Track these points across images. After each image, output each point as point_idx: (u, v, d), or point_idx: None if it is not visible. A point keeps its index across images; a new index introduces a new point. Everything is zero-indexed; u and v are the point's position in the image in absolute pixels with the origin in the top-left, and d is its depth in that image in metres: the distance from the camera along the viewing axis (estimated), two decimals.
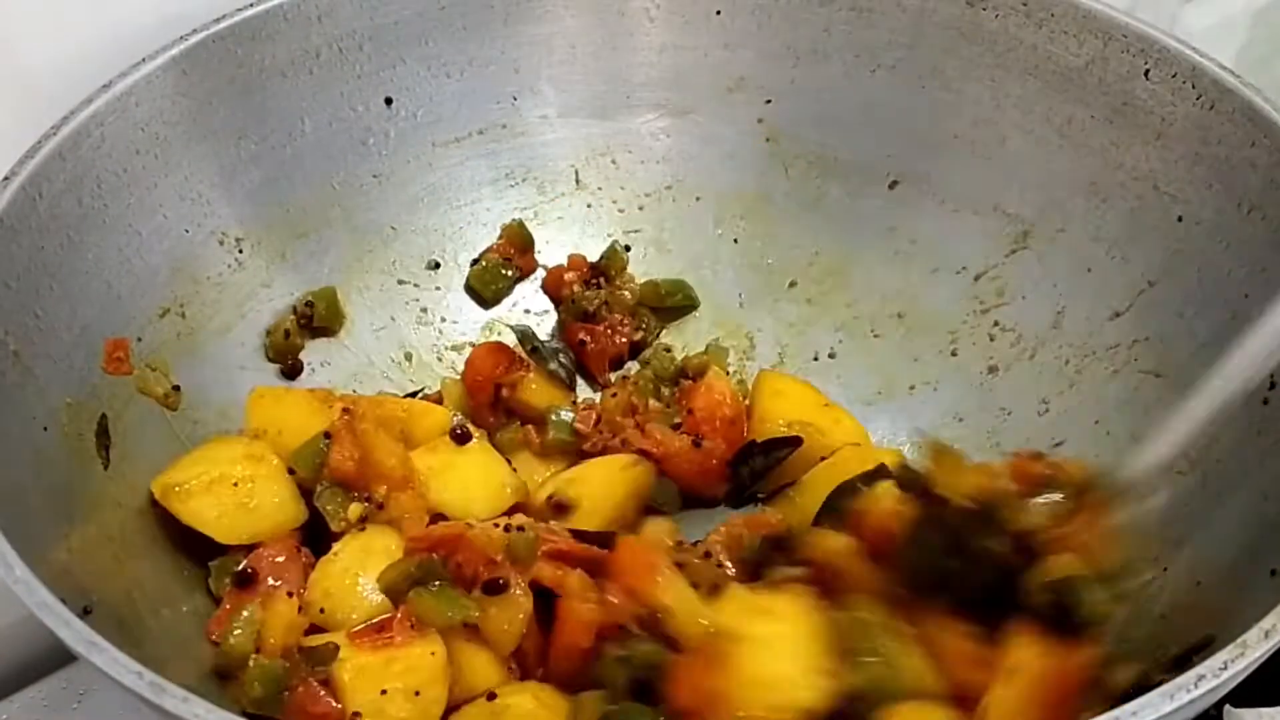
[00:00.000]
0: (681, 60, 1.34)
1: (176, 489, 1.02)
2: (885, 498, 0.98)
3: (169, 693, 0.73)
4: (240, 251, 1.20)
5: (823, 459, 1.17)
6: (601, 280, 1.33)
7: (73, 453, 0.99)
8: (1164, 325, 1.12)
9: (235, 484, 1.04)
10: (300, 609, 1.00)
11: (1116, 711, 0.72)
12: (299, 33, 1.20)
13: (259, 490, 1.03)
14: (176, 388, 1.11)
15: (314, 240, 1.26)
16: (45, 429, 0.97)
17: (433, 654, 0.94)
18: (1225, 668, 0.74)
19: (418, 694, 0.93)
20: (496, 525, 1.02)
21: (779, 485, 1.20)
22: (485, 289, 1.33)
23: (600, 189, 1.38)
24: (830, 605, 0.92)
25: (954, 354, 1.27)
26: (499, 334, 1.32)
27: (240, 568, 1.02)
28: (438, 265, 1.32)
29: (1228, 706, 1.09)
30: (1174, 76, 1.11)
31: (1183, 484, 1.04)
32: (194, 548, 1.04)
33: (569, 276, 1.33)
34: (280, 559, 1.03)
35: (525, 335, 1.28)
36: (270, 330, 1.22)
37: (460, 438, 1.12)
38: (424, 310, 1.31)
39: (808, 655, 0.88)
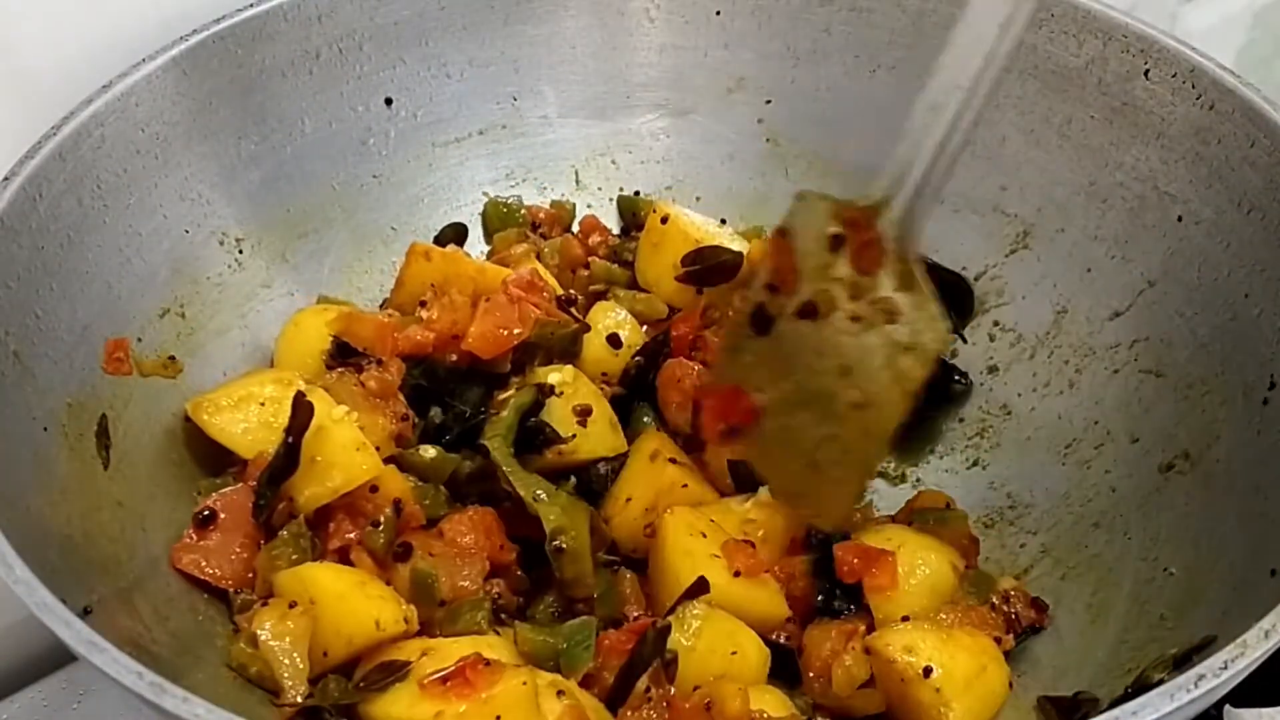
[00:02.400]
0: (681, 60, 1.35)
1: (207, 404, 1.09)
2: None
3: (169, 693, 0.73)
4: (240, 252, 1.20)
5: None
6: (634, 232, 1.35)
7: (73, 453, 0.99)
8: (1164, 325, 1.12)
9: (262, 403, 1.08)
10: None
11: (1116, 711, 0.72)
12: (299, 33, 1.20)
13: (284, 410, 1.04)
14: (173, 358, 1.12)
15: (314, 241, 1.26)
16: (45, 429, 0.97)
17: (524, 684, 0.92)
18: (1225, 668, 0.75)
19: None
20: None
21: None
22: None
23: (600, 189, 1.38)
24: None
25: (954, 354, 1.27)
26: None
27: (200, 508, 1.03)
28: None
29: (1228, 706, 1.09)
30: (1174, 76, 1.11)
31: (1183, 484, 1.05)
32: None
33: (594, 239, 1.33)
34: (239, 498, 1.04)
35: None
36: None
37: (567, 303, 1.23)
38: None
39: None
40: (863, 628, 1.03)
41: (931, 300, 0.97)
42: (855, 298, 1.00)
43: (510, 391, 1.14)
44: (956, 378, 1.24)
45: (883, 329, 0.99)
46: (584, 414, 1.13)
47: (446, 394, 1.15)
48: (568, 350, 1.19)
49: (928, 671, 0.96)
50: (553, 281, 1.25)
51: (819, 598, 1.07)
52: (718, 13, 1.33)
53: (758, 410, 1.07)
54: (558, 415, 1.13)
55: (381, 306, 1.26)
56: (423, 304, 1.16)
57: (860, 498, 1.07)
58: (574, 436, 1.12)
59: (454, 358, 1.15)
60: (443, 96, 1.30)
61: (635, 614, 1.08)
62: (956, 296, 1.27)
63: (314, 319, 1.17)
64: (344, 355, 1.13)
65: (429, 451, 1.11)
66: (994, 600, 1.06)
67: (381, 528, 1.03)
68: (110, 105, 1.07)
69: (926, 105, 0.93)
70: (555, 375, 1.14)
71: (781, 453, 1.07)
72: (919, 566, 1.06)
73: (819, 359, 1.03)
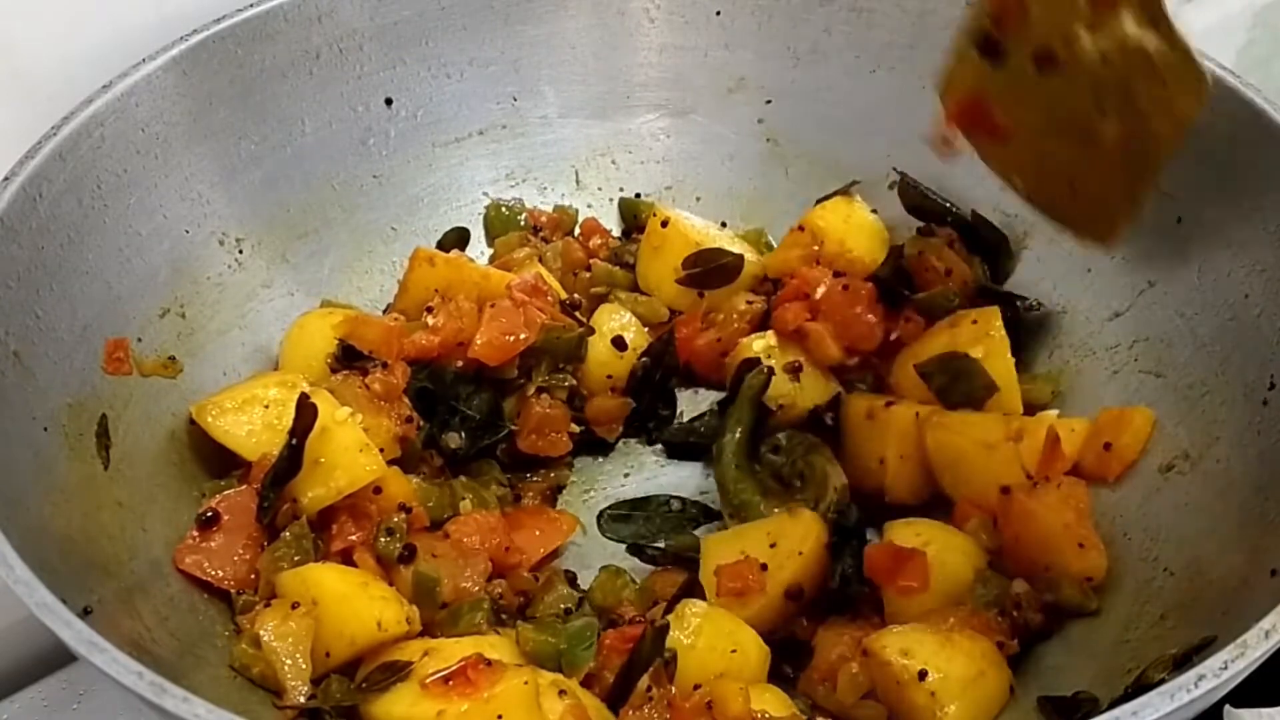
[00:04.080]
0: (681, 60, 1.35)
1: (211, 407, 1.09)
2: None
3: (169, 693, 0.73)
4: (240, 252, 1.20)
5: None
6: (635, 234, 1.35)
7: (73, 453, 0.99)
8: (1164, 325, 1.12)
9: (266, 406, 1.09)
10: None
11: (1116, 711, 0.72)
12: (299, 33, 1.20)
13: (288, 413, 1.04)
14: (173, 358, 1.12)
15: (314, 240, 1.26)
16: (45, 429, 0.97)
17: (525, 683, 0.92)
18: (1225, 668, 0.75)
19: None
20: None
21: None
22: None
23: (600, 189, 1.38)
24: None
25: None
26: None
27: (203, 509, 1.03)
28: None
29: (1228, 706, 1.09)
30: None
31: (1183, 484, 1.05)
32: None
33: (595, 242, 1.33)
34: (242, 500, 1.04)
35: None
36: None
37: (571, 307, 1.24)
38: None
39: None
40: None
41: (1185, 44, 0.89)
42: (1094, 29, 0.92)
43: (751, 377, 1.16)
44: None
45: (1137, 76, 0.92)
46: (795, 371, 1.18)
47: (453, 398, 1.15)
48: (573, 354, 1.19)
49: (923, 675, 0.96)
50: (556, 285, 1.25)
51: (836, 582, 1.07)
52: (718, 13, 1.33)
53: (1002, 128, 1.01)
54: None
55: (385, 311, 1.25)
56: (429, 310, 1.16)
57: (1136, 217, 0.99)
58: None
59: (460, 363, 1.15)
60: (443, 96, 1.30)
61: (631, 614, 1.08)
62: (991, 247, 1.26)
63: (319, 322, 1.17)
64: (349, 358, 1.13)
65: (453, 440, 1.14)
66: (1005, 604, 1.04)
67: (396, 536, 1.03)
68: (110, 105, 1.07)
69: None
70: (759, 343, 1.19)
71: (1035, 168, 1.01)
72: (940, 567, 1.05)
73: (1069, 94, 0.96)
